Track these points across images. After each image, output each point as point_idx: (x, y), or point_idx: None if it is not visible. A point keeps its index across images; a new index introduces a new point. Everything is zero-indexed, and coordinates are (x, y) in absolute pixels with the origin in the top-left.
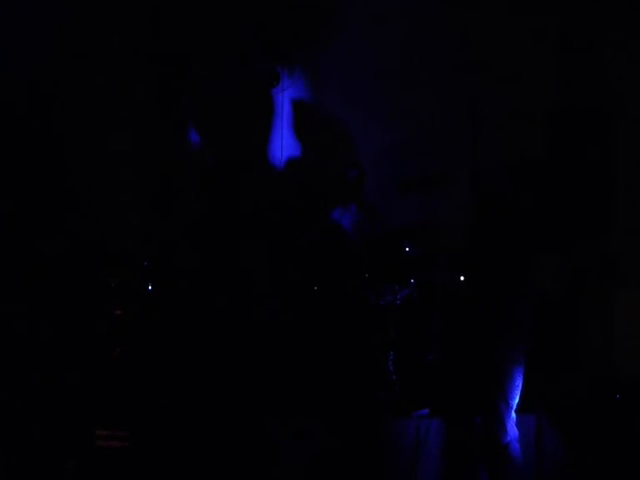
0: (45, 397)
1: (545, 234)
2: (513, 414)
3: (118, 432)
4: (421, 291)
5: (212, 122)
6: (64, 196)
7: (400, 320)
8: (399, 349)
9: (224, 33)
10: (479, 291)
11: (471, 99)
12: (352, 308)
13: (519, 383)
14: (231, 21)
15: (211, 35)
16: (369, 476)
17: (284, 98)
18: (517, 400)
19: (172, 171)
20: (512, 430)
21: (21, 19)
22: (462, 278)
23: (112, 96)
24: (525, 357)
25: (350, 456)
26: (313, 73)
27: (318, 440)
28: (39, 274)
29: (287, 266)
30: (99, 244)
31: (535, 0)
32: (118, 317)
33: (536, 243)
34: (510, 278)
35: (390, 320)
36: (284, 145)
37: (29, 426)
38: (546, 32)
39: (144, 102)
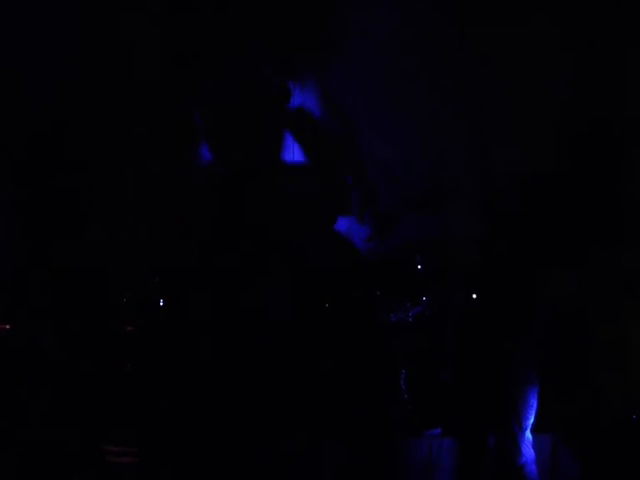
0: (55, 412)
1: (557, 247)
2: (529, 435)
3: (129, 448)
4: (434, 309)
5: (222, 132)
6: (71, 205)
7: (413, 338)
8: (411, 367)
9: (229, 39)
10: (490, 307)
11: (480, 107)
12: (363, 325)
13: (533, 403)
14: (235, 26)
15: (217, 40)
16: None
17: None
18: (532, 420)
19: (180, 178)
20: (527, 451)
21: (21, 19)
22: (474, 296)
23: (118, 101)
24: (539, 376)
25: (361, 476)
26: (316, 78)
27: (329, 459)
28: (48, 288)
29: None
30: (109, 258)
31: (544, 4)
32: (129, 333)
33: (547, 256)
34: (520, 292)
35: (402, 338)
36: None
37: (39, 441)
38: (556, 39)
39: (150, 107)
